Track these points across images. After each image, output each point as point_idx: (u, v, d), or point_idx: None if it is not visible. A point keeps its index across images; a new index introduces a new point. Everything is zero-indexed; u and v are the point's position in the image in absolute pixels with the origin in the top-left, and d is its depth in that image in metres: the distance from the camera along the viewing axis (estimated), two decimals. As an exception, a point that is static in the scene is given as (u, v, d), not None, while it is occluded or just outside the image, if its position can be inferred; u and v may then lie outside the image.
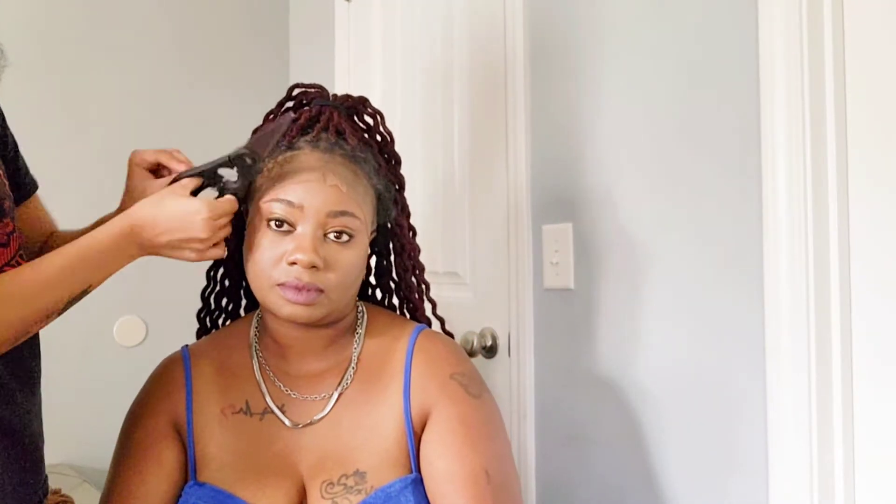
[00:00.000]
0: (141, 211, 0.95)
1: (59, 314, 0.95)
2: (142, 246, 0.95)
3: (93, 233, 0.95)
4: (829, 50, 1.03)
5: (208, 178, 0.99)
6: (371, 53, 1.97)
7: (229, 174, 1.01)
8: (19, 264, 0.96)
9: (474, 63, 1.62)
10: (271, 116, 1.14)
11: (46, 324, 0.94)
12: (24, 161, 1.10)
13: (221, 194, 1.00)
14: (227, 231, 0.99)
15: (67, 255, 0.92)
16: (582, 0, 1.36)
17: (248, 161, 1.00)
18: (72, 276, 0.92)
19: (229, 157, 1.00)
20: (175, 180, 1.00)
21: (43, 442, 1.03)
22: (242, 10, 2.32)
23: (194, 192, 0.99)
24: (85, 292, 0.95)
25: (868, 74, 1.01)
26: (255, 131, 1.14)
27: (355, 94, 1.20)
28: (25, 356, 1.00)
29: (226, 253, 1.01)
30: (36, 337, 1.02)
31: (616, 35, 1.30)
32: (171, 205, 0.95)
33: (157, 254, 0.97)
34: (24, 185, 1.09)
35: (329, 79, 2.08)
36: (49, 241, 1.13)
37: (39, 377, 1.03)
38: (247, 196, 1.06)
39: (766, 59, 1.06)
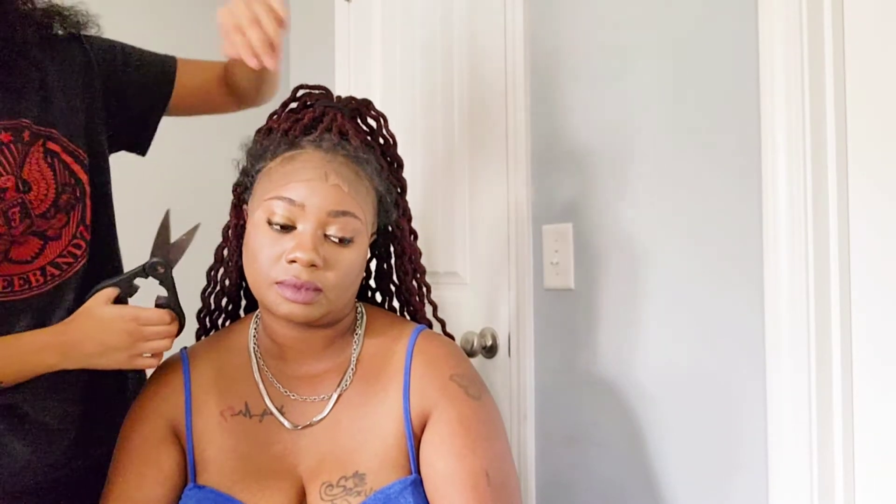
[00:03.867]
0: (67, 323, 1.00)
1: None
2: (62, 355, 0.99)
3: (24, 333, 1.00)
4: (829, 50, 1.03)
5: (123, 288, 1.02)
6: (371, 53, 1.97)
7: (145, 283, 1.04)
8: (72, 254, 1.06)
9: (474, 62, 1.61)
10: (275, 117, 1.14)
11: None
12: (150, 57, 1.20)
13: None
14: (162, 345, 1.01)
15: None
16: (582, 0, 1.36)
17: (161, 269, 1.04)
18: None
19: (143, 267, 1.03)
20: (93, 293, 1.02)
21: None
22: (242, 11, 2.32)
23: (115, 302, 1.01)
24: None
25: (868, 74, 1.01)
26: (259, 135, 1.14)
27: (355, 94, 1.20)
28: None
29: (159, 363, 1.04)
30: None
31: (616, 35, 1.29)
32: (92, 314, 0.99)
33: (79, 364, 1.00)
34: (164, 78, 1.18)
35: (329, 79, 2.08)
36: (225, 77, 1.19)
37: None
38: (246, 193, 1.07)
39: (766, 59, 1.06)
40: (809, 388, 1.02)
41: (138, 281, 1.04)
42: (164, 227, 1.06)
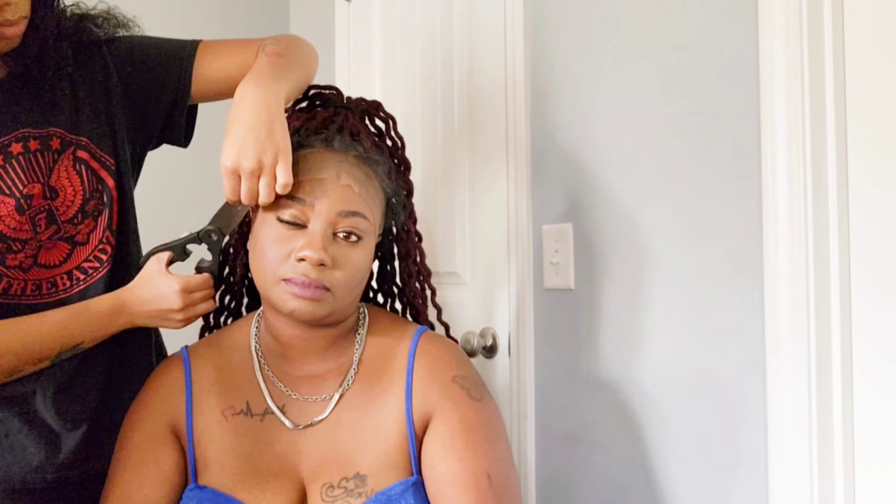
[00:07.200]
0: (130, 289, 1.08)
1: (51, 362, 1.07)
2: (130, 316, 1.08)
3: (93, 299, 1.09)
4: (829, 50, 1.03)
5: (177, 252, 1.10)
6: (371, 53, 1.97)
7: (198, 251, 1.12)
8: (98, 258, 1.11)
9: (474, 62, 1.61)
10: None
11: (37, 368, 1.07)
12: (167, 49, 1.17)
13: (199, 272, 1.10)
14: (208, 306, 1.10)
15: (67, 313, 1.07)
16: (582, 0, 1.36)
17: (215, 237, 1.09)
18: (67, 332, 1.06)
19: (198, 233, 1.09)
20: (149, 255, 1.10)
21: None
22: (242, 11, 2.32)
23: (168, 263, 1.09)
24: (76, 347, 1.07)
25: (868, 75, 1.01)
26: None
27: (355, 94, 1.20)
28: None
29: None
30: None
31: (616, 35, 1.30)
32: (150, 281, 1.07)
33: (144, 324, 1.10)
34: (180, 71, 1.16)
35: (329, 79, 2.08)
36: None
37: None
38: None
39: (766, 59, 1.06)
40: (809, 388, 1.02)
41: (191, 246, 1.11)
42: (227, 206, 1.10)
